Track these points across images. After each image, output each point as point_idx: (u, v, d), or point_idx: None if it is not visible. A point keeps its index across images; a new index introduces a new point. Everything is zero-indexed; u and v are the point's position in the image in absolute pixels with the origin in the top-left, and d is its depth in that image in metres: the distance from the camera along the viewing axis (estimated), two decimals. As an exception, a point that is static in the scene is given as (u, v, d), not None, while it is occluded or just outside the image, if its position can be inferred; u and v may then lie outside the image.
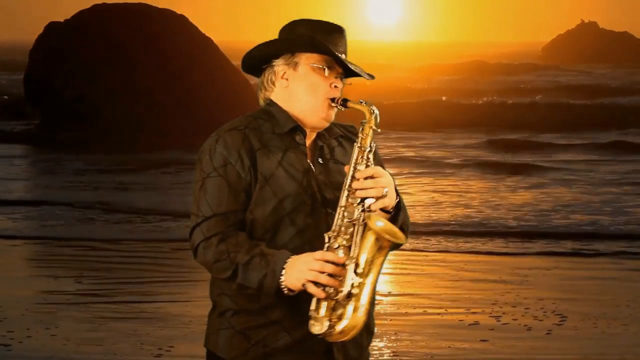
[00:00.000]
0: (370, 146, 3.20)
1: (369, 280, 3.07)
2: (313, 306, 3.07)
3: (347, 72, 3.30)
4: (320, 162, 3.27)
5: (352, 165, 3.18)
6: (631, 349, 7.83)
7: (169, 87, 25.50)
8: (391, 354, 7.56)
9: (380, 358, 7.48)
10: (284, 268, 3.08)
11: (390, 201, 3.20)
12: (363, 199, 3.14)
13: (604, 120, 28.87)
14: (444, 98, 34.29)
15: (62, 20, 27.02)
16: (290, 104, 3.28)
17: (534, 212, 14.32)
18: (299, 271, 3.06)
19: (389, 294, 9.42)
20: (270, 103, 3.31)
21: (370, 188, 3.14)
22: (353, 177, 3.16)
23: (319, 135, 3.32)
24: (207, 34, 27.08)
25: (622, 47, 76.32)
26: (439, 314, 8.78)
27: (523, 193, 16.26)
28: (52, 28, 26.72)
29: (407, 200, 15.55)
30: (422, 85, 43.07)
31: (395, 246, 3.17)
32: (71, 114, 25.37)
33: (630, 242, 12.26)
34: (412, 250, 11.70)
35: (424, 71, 56.19)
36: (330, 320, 3.04)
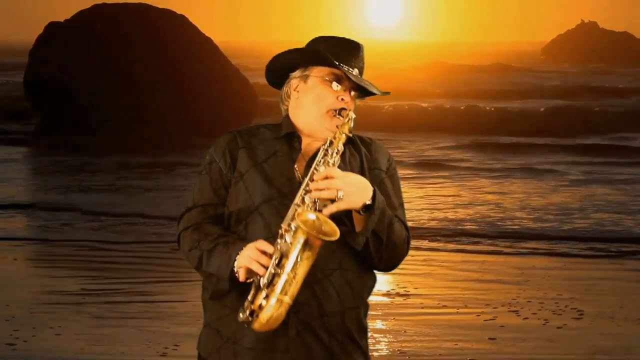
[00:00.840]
0: (337, 149, 3.24)
1: (297, 275, 3.07)
2: (250, 297, 3.12)
3: (360, 87, 3.33)
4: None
5: (314, 165, 3.22)
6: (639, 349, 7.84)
7: (169, 88, 25.49)
8: (397, 352, 7.55)
9: (387, 356, 7.46)
10: (238, 254, 3.17)
11: (347, 205, 3.16)
12: (316, 200, 3.17)
13: (605, 121, 28.85)
14: (441, 100, 34.31)
15: (62, 20, 27.04)
16: (297, 115, 3.36)
17: (553, 212, 14.34)
18: (241, 257, 3.15)
19: (406, 293, 9.39)
20: (286, 116, 3.40)
21: (325, 189, 3.15)
22: (311, 178, 3.19)
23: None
24: (207, 34, 27.08)
25: (622, 47, 76.47)
26: (452, 313, 8.78)
27: (541, 194, 16.27)
28: (52, 28, 26.72)
29: (423, 201, 15.39)
30: (424, 86, 43.06)
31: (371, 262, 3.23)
32: (71, 115, 25.37)
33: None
34: (429, 250, 11.78)
35: (424, 71, 56.19)
36: (254, 310, 3.10)
